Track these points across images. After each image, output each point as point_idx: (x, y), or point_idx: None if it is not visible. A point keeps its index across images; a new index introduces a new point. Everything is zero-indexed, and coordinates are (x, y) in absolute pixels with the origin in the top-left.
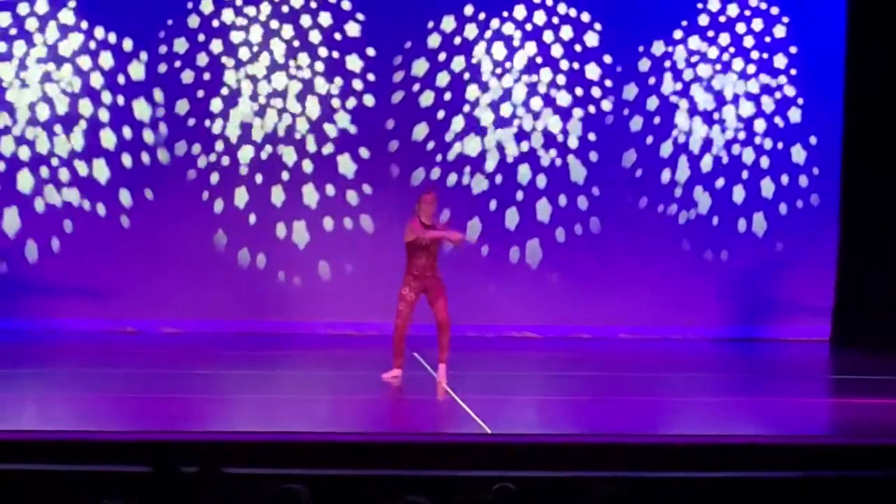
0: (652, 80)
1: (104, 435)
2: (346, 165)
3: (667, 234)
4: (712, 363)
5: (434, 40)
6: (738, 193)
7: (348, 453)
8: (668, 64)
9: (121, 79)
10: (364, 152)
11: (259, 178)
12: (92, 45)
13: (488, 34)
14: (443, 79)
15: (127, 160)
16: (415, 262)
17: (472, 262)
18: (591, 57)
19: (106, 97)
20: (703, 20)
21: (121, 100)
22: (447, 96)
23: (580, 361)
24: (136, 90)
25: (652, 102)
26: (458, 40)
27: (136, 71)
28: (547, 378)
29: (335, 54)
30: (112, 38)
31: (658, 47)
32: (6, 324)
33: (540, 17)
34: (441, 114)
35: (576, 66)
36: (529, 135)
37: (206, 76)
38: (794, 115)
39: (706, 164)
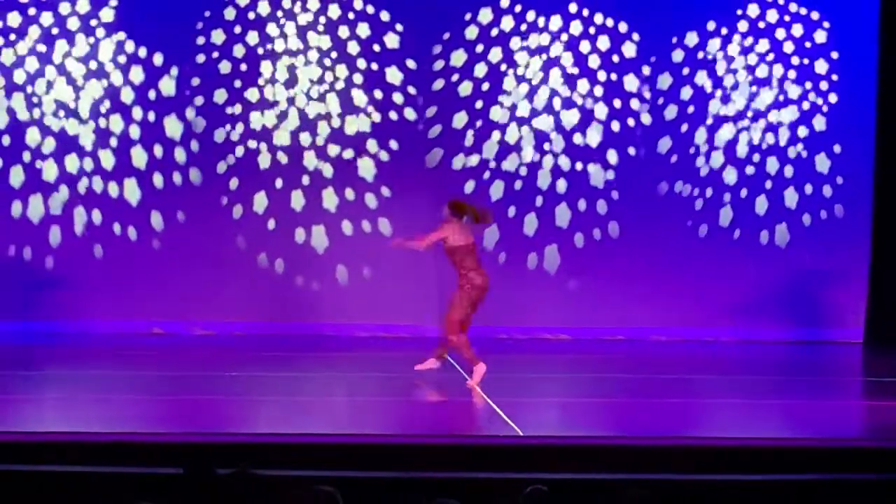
0: (686, 71)
1: (136, 437)
2: (366, 169)
3: (699, 235)
4: (744, 365)
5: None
6: (763, 201)
7: (379, 455)
8: (698, 61)
9: (152, 94)
10: (384, 155)
11: (279, 183)
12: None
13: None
14: (466, 88)
15: (158, 179)
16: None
17: (498, 263)
18: (626, 68)
19: (135, 106)
20: (743, 26)
21: (152, 116)
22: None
23: (612, 363)
24: (167, 106)
25: (683, 96)
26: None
27: (167, 87)
28: (578, 380)
29: (368, 65)
30: (143, 52)
31: (690, 40)
32: (35, 326)
33: (576, 28)
34: (460, 120)
35: (614, 76)
36: (550, 139)
37: (237, 83)
38: (821, 122)
39: (734, 167)
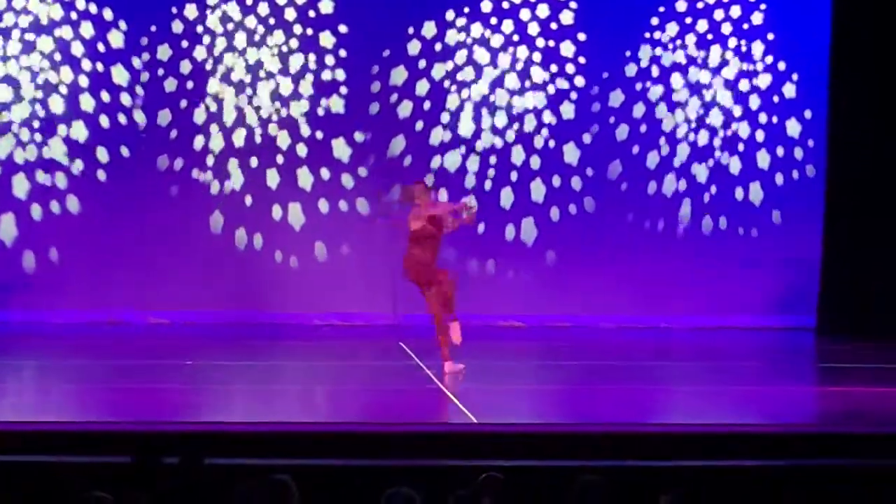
0: (638, 87)
1: (89, 426)
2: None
3: (652, 225)
4: (698, 352)
5: (414, 47)
6: (719, 188)
7: (335, 443)
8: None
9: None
10: (359, 136)
11: (255, 162)
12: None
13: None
14: (422, 87)
15: (109, 152)
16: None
17: (461, 249)
18: (577, 55)
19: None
20: (681, 6)
21: (107, 99)
22: (426, 105)
23: (566, 350)
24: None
25: (639, 109)
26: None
27: (121, 75)
28: (533, 367)
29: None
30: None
31: (644, 51)
32: None
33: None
34: (419, 125)
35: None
36: (502, 129)
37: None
38: (778, 110)
39: (686, 156)
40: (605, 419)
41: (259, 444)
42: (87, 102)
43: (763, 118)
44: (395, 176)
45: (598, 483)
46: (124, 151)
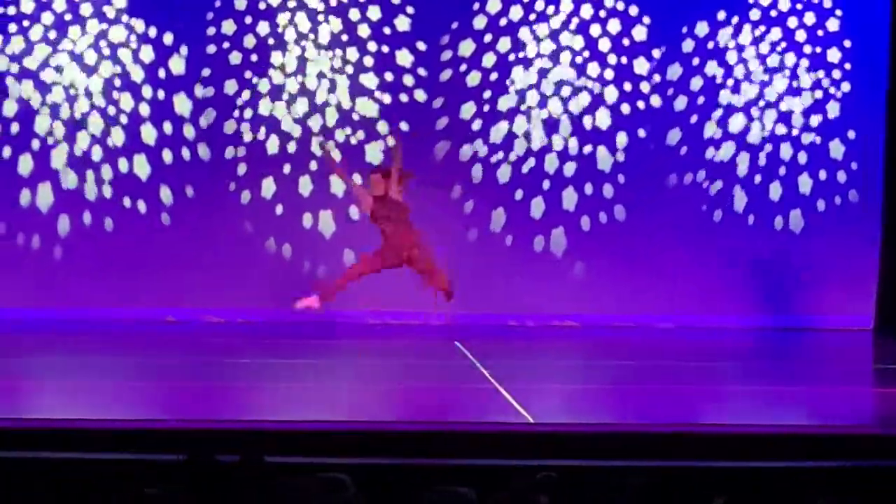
0: (696, 61)
1: (148, 424)
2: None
3: (709, 222)
4: (753, 352)
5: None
6: (777, 187)
7: (390, 442)
8: (710, 62)
9: (161, 73)
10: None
11: (287, 168)
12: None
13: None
14: (474, 78)
15: (167, 155)
16: None
17: (505, 250)
18: (638, 50)
19: (147, 92)
20: (755, 14)
21: (161, 94)
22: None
23: (621, 350)
24: (176, 85)
25: (695, 83)
26: (488, 37)
27: (177, 66)
28: (588, 367)
29: (373, 46)
30: (153, 31)
31: (701, 30)
32: (46, 313)
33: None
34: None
35: (624, 60)
36: (558, 122)
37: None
38: (834, 108)
39: (746, 153)
40: (661, 419)
41: (314, 442)
42: (147, 133)
43: (806, 138)
44: (462, 138)
45: (652, 483)
46: (187, 160)
